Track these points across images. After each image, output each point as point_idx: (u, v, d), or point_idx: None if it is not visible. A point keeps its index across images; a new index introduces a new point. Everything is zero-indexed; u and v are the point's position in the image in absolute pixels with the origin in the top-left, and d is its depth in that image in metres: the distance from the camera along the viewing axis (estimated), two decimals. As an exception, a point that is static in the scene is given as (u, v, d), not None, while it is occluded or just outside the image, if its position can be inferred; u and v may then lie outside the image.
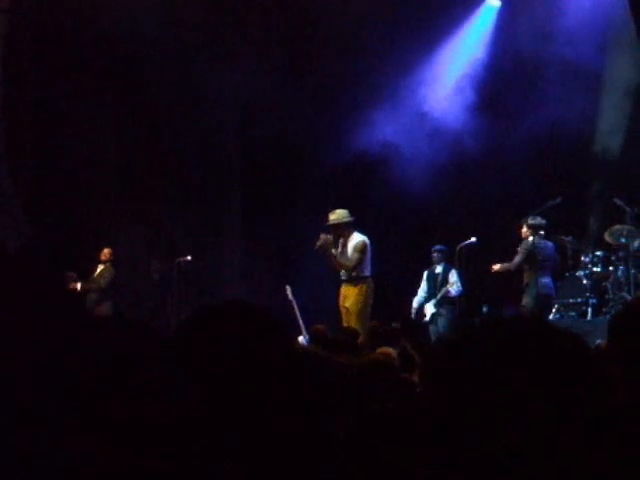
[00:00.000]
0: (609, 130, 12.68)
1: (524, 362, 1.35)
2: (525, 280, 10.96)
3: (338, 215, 10.48)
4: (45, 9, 12.38)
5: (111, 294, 12.08)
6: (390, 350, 4.97)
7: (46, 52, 12.49)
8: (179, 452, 1.37)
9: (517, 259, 10.93)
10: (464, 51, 13.52)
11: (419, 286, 12.15)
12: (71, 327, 1.54)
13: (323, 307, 11.47)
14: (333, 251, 10.46)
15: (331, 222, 10.46)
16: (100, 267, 12.18)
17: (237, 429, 1.55)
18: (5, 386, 1.37)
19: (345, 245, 10.50)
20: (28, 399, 1.35)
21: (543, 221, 10.96)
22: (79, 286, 11.90)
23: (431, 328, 11.85)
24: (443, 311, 11.85)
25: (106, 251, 12.16)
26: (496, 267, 11.11)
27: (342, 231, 10.46)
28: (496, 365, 1.35)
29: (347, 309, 10.38)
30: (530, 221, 10.89)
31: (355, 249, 10.41)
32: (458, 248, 11.60)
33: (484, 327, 1.42)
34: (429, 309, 11.98)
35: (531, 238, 10.84)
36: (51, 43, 12.49)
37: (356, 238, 10.48)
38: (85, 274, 12.15)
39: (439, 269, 12.01)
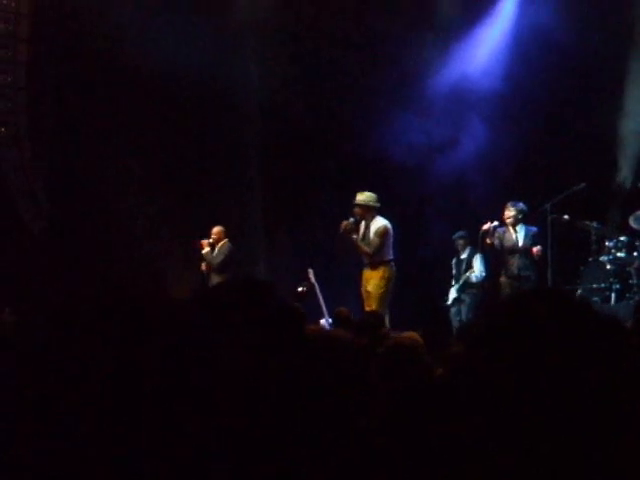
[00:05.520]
0: (635, 114, 12.57)
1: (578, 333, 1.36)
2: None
3: (367, 197, 10.49)
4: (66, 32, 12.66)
5: (225, 270, 11.66)
6: (415, 334, 4.95)
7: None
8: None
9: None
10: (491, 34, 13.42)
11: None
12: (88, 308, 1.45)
13: (346, 291, 11.45)
14: (355, 236, 10.47)
15: (358, 201, 10.46)
16: (217, 246, 11.91)
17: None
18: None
19: (368, 228, 10.50)
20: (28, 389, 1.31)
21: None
22: (205, 250, 11.81)
23: (452, 311, 11.94)
24: (465, 297, 11.89)
25: (215, 230, 11.94)
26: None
27: (366, 214, 10.46)
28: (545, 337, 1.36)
29: (369, 292, 10.40)
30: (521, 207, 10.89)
31: (376, 234, 10.41)
32: (480, 232, 11.52)
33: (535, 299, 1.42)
34: (452, 294, 12.05)
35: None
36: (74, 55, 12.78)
37: (378, 222, 10.48)
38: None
39: (464, 255, 12.07)
